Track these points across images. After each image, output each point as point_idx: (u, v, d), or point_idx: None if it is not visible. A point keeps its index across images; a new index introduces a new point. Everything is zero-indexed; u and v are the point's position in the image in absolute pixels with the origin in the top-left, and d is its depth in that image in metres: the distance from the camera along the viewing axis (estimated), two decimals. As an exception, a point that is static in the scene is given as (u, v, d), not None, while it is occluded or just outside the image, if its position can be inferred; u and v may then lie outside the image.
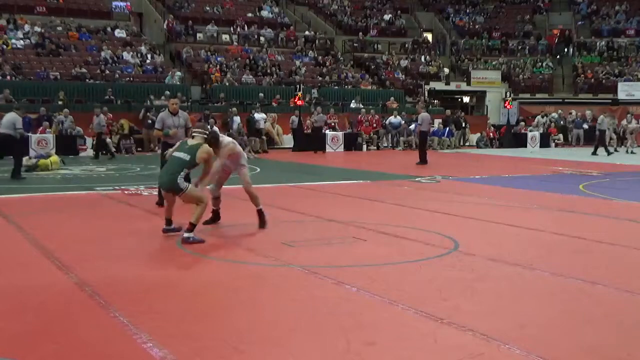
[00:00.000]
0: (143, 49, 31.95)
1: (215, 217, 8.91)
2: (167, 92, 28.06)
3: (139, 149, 24.36)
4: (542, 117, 33.85)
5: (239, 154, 8.77)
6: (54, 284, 6.05)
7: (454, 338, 4.60)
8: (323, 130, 26.74)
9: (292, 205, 10.85)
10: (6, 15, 30.97)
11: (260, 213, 8.70)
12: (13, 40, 29.52)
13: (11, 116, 15.08)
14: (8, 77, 26.58)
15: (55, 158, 18.04)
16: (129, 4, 35.55)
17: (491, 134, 31.56)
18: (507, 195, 12.68)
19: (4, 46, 28.74)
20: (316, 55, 36.62)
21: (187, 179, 8.07)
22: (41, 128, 22.80)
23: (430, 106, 34.52)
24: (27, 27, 30.63)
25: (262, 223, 8.67)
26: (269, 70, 33.14)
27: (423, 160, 19.92)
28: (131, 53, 30.99)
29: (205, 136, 8.09)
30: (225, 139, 8.71)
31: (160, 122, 10.81)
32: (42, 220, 9.59)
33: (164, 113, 10.95)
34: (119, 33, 32.80)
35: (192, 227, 7.71)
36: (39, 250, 7.43)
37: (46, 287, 5.92)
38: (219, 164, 8.44)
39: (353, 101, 31.93)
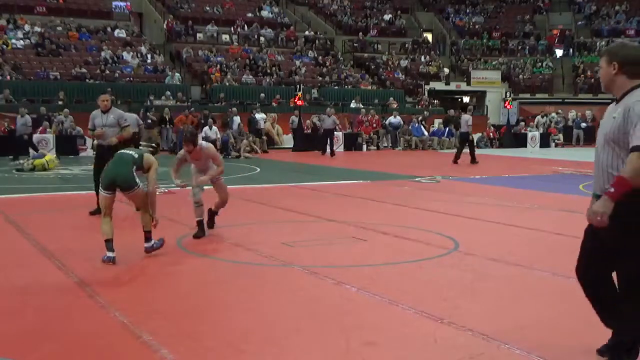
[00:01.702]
0: (143, 49, 31.96)
1: (202, 226, 8.29)
2: (168, 92, 28.15)
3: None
4: (542, 117, 33.86)
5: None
6: (54, 283, 6.05)
7: (454, 338, 4.60)
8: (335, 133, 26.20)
9: (293, 206, 10.85)
10: (6, 15, 30.97)
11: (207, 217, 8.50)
12: (13, 40, 29.53)
13: None
14: (8, 77, 26.59)
15: (50, 156, 18.02)
16: (129, 4, 35.56)
17: (491, 134, 31.55)
18: (508, 195, 12.67)
19: (4, 46, 28.74)
20: (316, 55, 36.64)
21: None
22: (41, 128, 22.80)
23: (431, 106, 34.56)
24: (27, 27, 30.64)
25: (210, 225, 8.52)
26: (269, 70, 33.15)
27: (474, 160, 20.39)
28: (131, 53, 31.00)
29: (152, 149, 7.59)
30: (203, 142, 8.48)
31: (91, 121, 10.13)
32: (42, 220, 9.58)
33: (95, 111, 10.18)
34: (119, 33, 32.81)
35: (149, 236, 7.15)
36: (38, 250, 7.43)
37: (46, 287, 5.92)
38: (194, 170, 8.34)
39: (353, 101, 31.94)
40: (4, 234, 8.52)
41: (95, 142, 10.16)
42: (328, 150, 24.61)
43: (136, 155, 7.22)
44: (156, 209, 7.27)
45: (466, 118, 21.05)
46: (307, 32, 38.66)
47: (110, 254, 6.82)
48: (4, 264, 6.85)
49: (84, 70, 28.38)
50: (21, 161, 17.65)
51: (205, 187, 8.47)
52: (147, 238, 7.17)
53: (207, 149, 8.31)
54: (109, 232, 6.88)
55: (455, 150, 21.75)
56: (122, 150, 7.45)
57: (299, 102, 27.65)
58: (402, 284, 6.11)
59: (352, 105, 31.62)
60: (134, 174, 7.07)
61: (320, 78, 34.11)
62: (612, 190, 3.56)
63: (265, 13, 39.17)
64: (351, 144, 27.60)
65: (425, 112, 32.12)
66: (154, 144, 7.73)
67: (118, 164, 7.17)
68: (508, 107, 31.88)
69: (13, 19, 30.88)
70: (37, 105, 25.06)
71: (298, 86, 28.48)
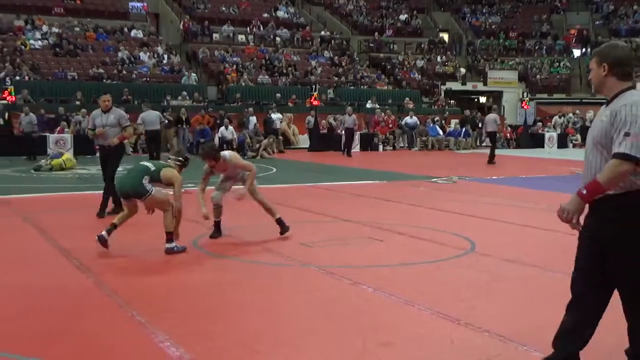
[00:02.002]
0: (160, 49, 32.11)
1: (218, 227, 8.29)
2: (184, 92, 28.25)
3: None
4: (560, 117, 33.65)
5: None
6: (71, 283, 6.10)
7: (471, 339, 4.58)
8: (355, 132, 25.99)
9: (309, 206, 10.85)
10: (24, 16, 31.21)
11: (279, 222, 8.31)
12: (31, 41, 29.77)
13: None
14: (26, 78, 26.80)
15: (67, 156, 18.15)
16: (145, 4, 35.73)
17: (508, 135, 31.41)
18: (524, 196, 12.61)
19: (22, 47, 28.97)
20: (332, 55, 36.65)
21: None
22: (59, 128, 22.99)
23: (447, 106, 34.47)
24: (45, 28, 30.87)
25: (284, 229, 8.29)
26: (285, 71, 33.20)
27: (491, 160, 20.50)
28: (148, 53, 31.16)
29: (179, 163, 7.64)
30: (226, 153, 8.30)
31: (91, 121, 10.19)
32: (60, 219, 9.65)
33: (95, 111, 10.26)
34: (136, 33, 33.00)
35: (170, 237, 7.28)
36: (57, 250, 7.49)
37: (64, 287, 5.96)
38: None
39: (369, 101, 31.90)
40: (22, 234, 8.59)
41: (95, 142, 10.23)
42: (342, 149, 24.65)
43: (152, 168, 7.39)
44: (180, 223, 7.39)
45: (493, 117, 21.23)
46: (323, 32, 38.68)
47: (102, 232, 7.36)
48: (22, 263, 6.90)
49: (101, 70, 28.55)
50: (41, 162, 17.79)
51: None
52: (169, 239, 7.26)
53: (230, 160, 8.07)
54: (117, 218, 7.53)
55: (473, 150, 21.79)
56: (142, 162, 7.64)
57: (315, 102, 27.68)
58: (418, 284, 6.10)
59: (368, 105, 31.60)
60: (143, 183, 7.23)
61: (336, 78, 34.11)
62: (585, 192, 3.52)
63: (281, 13, 39.23)
64: (367, 144, 27.58)
65: (446, 112, 32.07)
66: (181, 158, 7.70)
67: (130, 174, 7.47)
68: (525, 107, 31.75)
69: (31, 20, 31.12)
70: (55, 105, 25.27)
71: (314, 86, 28.52)
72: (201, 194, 8.03)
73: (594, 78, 3.72)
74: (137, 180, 7.27)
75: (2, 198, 11.78)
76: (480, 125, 31.49)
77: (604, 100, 3.70)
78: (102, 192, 10.06)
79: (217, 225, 8.28)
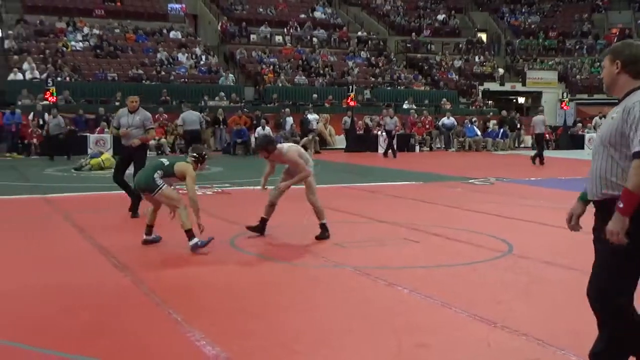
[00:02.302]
0: (198, 50, 32.40)
1: (263, 225, 8.32)
2: (221, 93, 28.46)
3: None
4: (600, 118, 33.08)
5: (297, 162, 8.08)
6: (110, 281, 6.18)
7: (508, 342, 4.54)
8: (393, 133, 25.68)
9: (345, 207, 10.84)
10: (66, 18, 31.75)
11: (322, 227, 8.18)
12: (72, 43, 30.29)
13: None
14: (67, 79, 27.25)
15: (106, 155, 18.42)
16: (184, 6, 36.08)
17: (547, 136, 30.98)
18: (563, 198, 12.42)
19: (64, 48, 29.48)
20: (369, 55, 36.58)
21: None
22: (99, 128, 23.34)
23: (485, 107, 34.17)
24: (86, 30, 31.37)
25: (322, 235, 8.14)
26: (321, 71, 33.23)
27: (535, 160, 20.38)
28: (186, 54, 31.44)
29: (194, 158, 7.70)
30: (285, 145, 8.26)
31: (117, 119, 10.33)
32: (98, 218, 9.79)
33: (121, 110, 10.44)
34: (175, 35, 33.32)
35: (190, 233, 7.29)
36: (95, 249, 7.60)
37: (102, 285, 6.05)
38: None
39: (406, 102, 31.77)
40: (62, 233, 8.74)
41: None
42: (380, 150, 24.58)
43: (166, 163, 7.64)
44: (200, 215, 7.42)
45: (541, 118, 21.16)
46: (359, 33, 38.64)
47: (145, 237, 7.70)
48: (62, 261, 7.02)
49: (140, 71, 28.91)
50: (81, 161, 18.08)
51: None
52: (189, 237, 7.32)
53: (286, 154, 8.00)
54: (149, 219, 7.73)
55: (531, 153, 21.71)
56: (160, 158, 7.90)
57: (352, 103, 27.66)
58: (454, 286, 6.06)
59: (405, 106, 31.47)
60: (155, 178, 7.43)
61: (373, 79, 34.03)
62: (622, 205, 3.28)
63: (318, 14, 39.28)
64: (404, 145, 27.47)
65: (490, 113, 31.80)
66: (195, 154, 7.78)
67: (145, 169, 7.80)
68: (565, 108, 31.31)
69: (73, 22, 31.65)
70: (96, 105, 25.67)
71: (351, 87, 28.51)
72: (263, 178, 8.40)
73: (606, 76, 3.60)
74: (150, 176, 7.50)
75: (44, 197, 12.01)
76: (519, 126, 31.19)
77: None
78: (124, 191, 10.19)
79: (263, 222, 8.30)
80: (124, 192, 10.27)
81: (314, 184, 8.25)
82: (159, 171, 7.48)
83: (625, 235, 3.29)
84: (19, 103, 24.42)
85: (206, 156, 8.00)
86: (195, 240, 7.29)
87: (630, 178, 3.25)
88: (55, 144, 21.52)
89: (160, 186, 7.41)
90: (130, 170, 10.21)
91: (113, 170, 10.83)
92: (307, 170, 8.06)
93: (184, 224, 7.32)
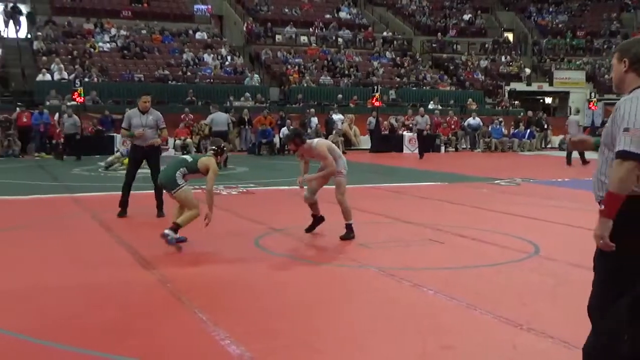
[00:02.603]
0: (223, 50, 32.53)
1: (315, 222, 8.44)
2: (247, 93, 28.57)
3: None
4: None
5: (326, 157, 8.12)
6: (136, 280, 6.24)
7: (534, 345, 4.50)
8: (424, 133, 25.46)
9: (370, 207, 10.83)
10: (94, 20, 32.06)
11: (348, 227, 8.16)
12: (100, 44, 30.58)
13: None
14: (95, 79, 27.52)
15: None
16: (210, 7, 36.26)
17: (577, 136, 30.68)
18: (590, 199, 12.28)
19: (92, 49, 29.78)
20: (394, 56, 36.47)
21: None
22: (125, 128, 23.51)
23: (511, 107, 33.91)
24: (113, 31, 31.65)
25: (347, 235, 8.12)
26: (346, 71, 33.20)
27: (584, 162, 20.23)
28: (212, 55, 31.59)
29: (213, 151, 7.79)
30: (315, 140, 8.38)
31: (127, 120, 9.87)
32: (126, 217, 9.88)
33: (132, 111, 10.04)
34: (200, 35, 33.49)
35: (175, 227, 7.40)
36: (122, 248, 7.67)
37: (129, 283, 6.11)
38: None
39: (431, 102, 31.64)
40: (90, 232, 8.83)
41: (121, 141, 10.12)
42: (406, 150, 24.52)
43: (189, 159, 7.73)
44: (213, 208, 7.54)
45: (576, 118, 20.89)
46: (385, 33, 38.53)
47: (172, 236, 7.42)
48: (90, 260, 7.09)
49: (166, 72, 29.11)
50: (110, 158, 18.24)
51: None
52: (172, 228, 7.40)
53: (315, 147, 8.10)
54: (176, 217, 7.57)
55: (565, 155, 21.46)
56: (183, 155, 7.81)
57: (377, 103, 27.61)
58: (480, 287, 6.02)
59: (430, 106, 31.31)
60: (176, 176, 7.51)
61: (398, 79, 33.92)
62: (603, 208, 3.22)
63: (343, 14, 39.24)
64: (429, 145, 27.34)
65: (520, 113, 31.55)
66: (214, 147, 7.88)
67: (168, 166, 7.82)
68: (593, 108, 30.96)
69: (100, 23, 31.95)
70: (122, 106, 25.81)
71: (376, 87, 28.44)
72: (302, 170, 8.46)
73: (614, 74, 3.50)
74: (171, 173, 7.60)
75: (72, 196, 12.15)
76: (546, 126, 30.89)
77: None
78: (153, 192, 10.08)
79: (314, 218, 8.43)
80: (152, 192, 10.10)
81: (344, 184, 8.29)
82: (181, 169, 7.58)
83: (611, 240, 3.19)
84: (47, 103, 24.71)
85: (225, 148, 8.14)
86: (172, 234, 7.37)
87: (610, 178, 3.18)
88: (72, 144, 21.73)
89: (181, 185, 7.52)
90: (141, 171, 10.16)
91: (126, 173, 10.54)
92: (334, 166, 8.11)
93: (182, 221, 7.45)
